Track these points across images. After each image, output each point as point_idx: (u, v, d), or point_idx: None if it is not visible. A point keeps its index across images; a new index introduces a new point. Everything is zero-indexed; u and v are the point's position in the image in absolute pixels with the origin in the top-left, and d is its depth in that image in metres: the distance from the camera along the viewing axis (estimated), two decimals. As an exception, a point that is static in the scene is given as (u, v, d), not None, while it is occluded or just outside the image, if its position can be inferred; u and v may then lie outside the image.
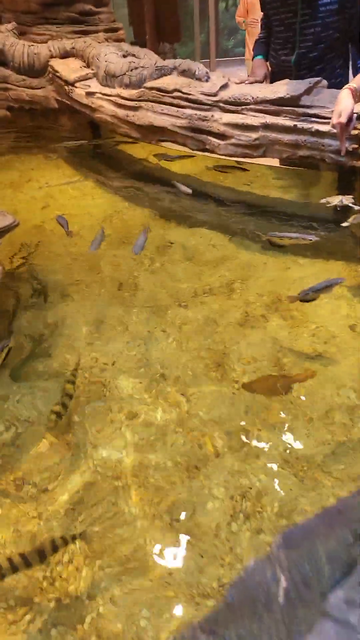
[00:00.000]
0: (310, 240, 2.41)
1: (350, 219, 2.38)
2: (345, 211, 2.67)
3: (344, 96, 2.47)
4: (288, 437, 1.85)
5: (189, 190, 3.07)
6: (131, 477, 1.74)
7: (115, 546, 1.54)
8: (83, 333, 2.37)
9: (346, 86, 2.54)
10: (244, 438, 1.86)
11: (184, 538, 1.55)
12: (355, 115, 2.45)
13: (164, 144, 3.64)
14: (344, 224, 2.36)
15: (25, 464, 1.80)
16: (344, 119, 2.41)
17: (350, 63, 3.10)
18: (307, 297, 1.94)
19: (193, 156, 3.63)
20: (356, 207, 2.41)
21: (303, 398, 2.00)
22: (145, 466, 1.77)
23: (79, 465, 1.78)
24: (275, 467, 1.75)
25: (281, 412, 1.95)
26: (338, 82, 3.08)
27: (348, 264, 2.71)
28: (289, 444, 1.82)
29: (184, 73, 3.44)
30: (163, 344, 2.30)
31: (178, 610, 1.38)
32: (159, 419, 1.95)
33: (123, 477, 1.74)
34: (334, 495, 1.66)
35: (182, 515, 1.61)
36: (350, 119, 2.43)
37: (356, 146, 2.66)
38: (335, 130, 2.52)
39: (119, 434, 1.89)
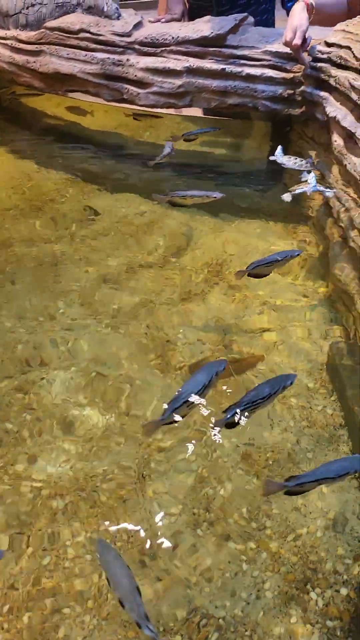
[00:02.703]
0: (215, 197, 2.12)
1: (294, 189, 2.07)
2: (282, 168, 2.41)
3: (299, 10, 2.11)
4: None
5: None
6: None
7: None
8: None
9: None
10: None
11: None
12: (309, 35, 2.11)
13: (74, 94, 3.19)
14: (285, 197, 2.06)
15: None
16: (298, 40, 2.07)
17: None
18: (257, 271, 1.67)
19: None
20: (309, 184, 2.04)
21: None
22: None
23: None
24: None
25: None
26: (265, 19, 2.76)
27: (286, 226, 2.49)
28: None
29: (90, 10, 2.97)
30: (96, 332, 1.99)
31: None
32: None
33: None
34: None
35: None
36: (304, 38, 2.11)
37: (291, 92, 2.39)
38: (288, 50, 2.20)
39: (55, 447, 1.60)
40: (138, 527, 1.40)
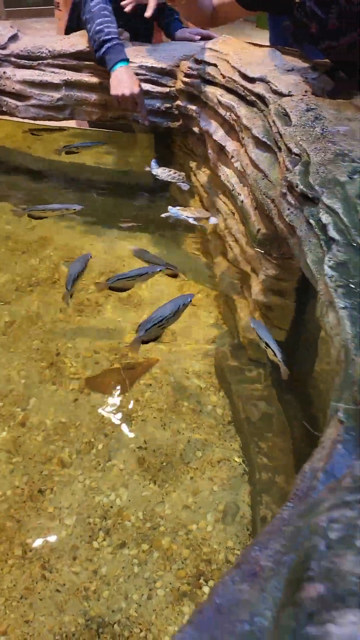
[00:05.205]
0: (75, 209, 2.17)
1: (184, 214, 2.15)
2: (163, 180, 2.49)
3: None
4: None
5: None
6: None
7: None
8: None
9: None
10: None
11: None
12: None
13: None
14: (166, 215, 2.15)
15: None
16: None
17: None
18: (119, 284, 1.70)
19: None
20: (190, 219, 2.13)
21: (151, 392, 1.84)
22: None
23: None
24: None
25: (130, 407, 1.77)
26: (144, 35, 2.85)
27: (174, 236, 2.58)
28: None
29: None
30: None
31: None
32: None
33: None
34: (193, 492, 1.55)
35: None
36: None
37: (169, 105, 2.48)
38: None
39: None
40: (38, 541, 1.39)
